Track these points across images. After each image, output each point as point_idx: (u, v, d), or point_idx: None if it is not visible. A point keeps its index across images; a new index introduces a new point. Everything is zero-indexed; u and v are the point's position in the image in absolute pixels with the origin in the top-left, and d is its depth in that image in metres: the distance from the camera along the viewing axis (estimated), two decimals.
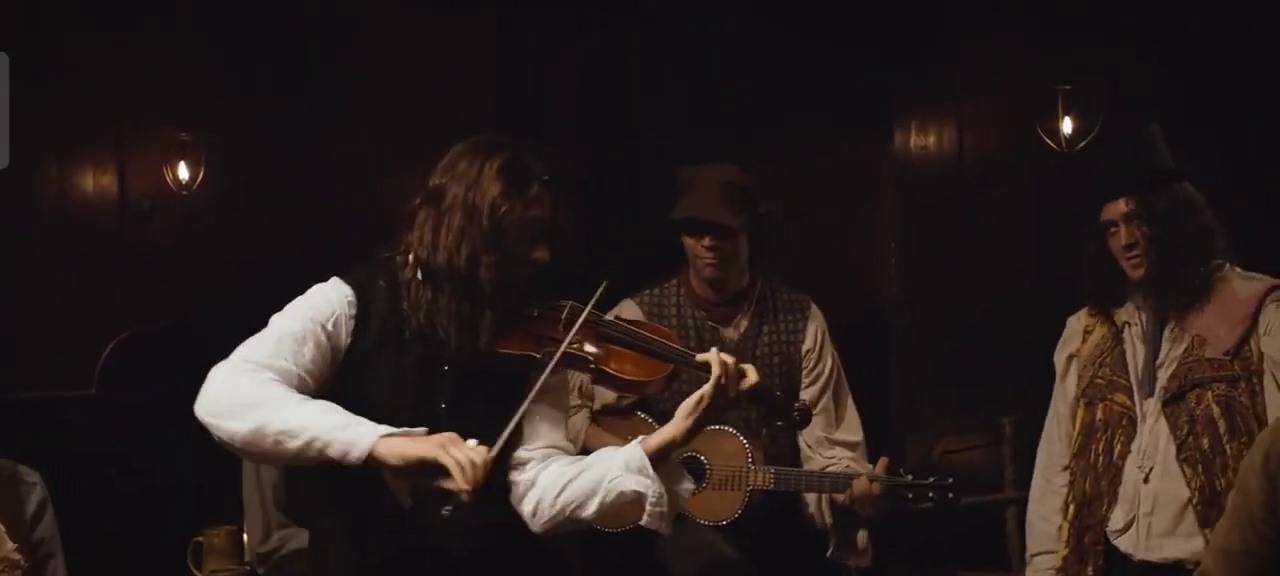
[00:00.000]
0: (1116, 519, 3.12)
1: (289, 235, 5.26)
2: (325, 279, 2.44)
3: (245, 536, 3.85)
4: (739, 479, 3.47)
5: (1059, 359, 3.35)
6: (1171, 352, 3.10)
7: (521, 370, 2.37)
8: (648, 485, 2.35)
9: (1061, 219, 4.91)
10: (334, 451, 2.17)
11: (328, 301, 2.38)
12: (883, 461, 3.44)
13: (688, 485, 2.47)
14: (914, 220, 5.12)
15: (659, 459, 2.37)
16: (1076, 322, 3.33)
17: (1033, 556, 3.31)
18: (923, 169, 5.15)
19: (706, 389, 2.38)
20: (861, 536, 3.60)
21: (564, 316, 2.44)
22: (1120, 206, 3.13)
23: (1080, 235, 3.24)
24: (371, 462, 2.16)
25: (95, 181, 5.30)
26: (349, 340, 2.38)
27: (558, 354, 2.35)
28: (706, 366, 2.40)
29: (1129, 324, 3.19)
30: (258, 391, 2.21)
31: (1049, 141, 4.90)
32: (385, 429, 2.18)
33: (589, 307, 2.42)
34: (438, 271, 2.37)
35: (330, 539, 2.48)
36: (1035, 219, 5.04)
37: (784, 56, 4.93)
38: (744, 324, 3.67)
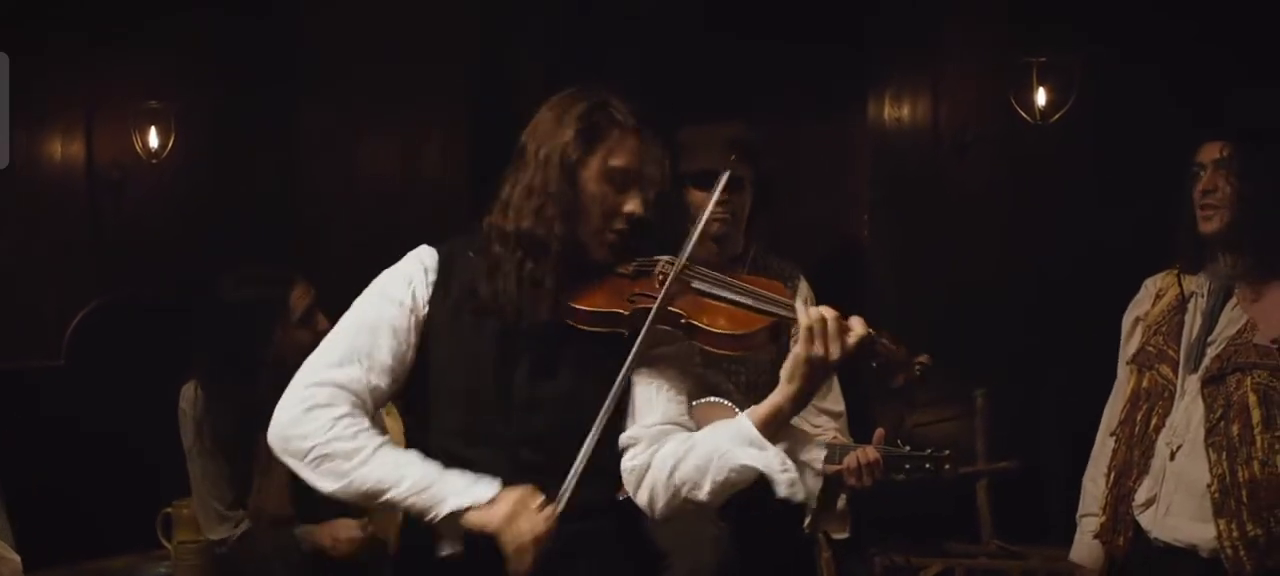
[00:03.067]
0: (1142, 492, 3.06)
1: (260, 204, 5.23)
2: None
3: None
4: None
5: (1127, 320, 3.24)
6: (1225, 331, 3.01)
7: (610, 329, 2.25)
8: (763, 456, 2.18)
9: (1036, 191, 4.97)
10: (413, 514, 2.19)
11: (404, 272, 2.33)
12: (879, 432, 3.42)
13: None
14: (888, 191, 5.13)
15: (770, 428, 2.20)
16: (1152, 284, 3.21)
17: (1080, 517, 3.26)
18: (897, 141, 5.15)
19: (798, 348, 2.19)
20: (841, 501, 3.60)
21: (658, 274, 2.29)
22: (1213, 151, 3.00)
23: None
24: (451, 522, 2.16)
25: (63, 149, 5.26)
26: (427, 308, 2.31)
27: (653, 311, 2.21)
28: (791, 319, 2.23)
29: (1196, 293, 3.09)
30: (331, 442, 2.19)
31: (1023, 114, 4.90)
32: (458, 499, 2.16)
33: (682, 258, 2.28)
34: (509, 231, 2.27)
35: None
36: (1010, 191, 5.04)
37: (758, 27, 4.90)
38: None
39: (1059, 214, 4.89)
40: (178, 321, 4.73)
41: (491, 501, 2.15)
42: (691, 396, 2.37)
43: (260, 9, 5.38)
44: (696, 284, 2.29)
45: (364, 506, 2.25)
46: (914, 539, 4.46)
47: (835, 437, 3.57)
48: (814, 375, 2.19)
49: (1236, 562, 2.88)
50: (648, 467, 2.27)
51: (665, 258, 2.31)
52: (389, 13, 5.37)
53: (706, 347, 2.29)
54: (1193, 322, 3.08)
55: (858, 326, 2.20)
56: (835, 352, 2.16)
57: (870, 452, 3.37)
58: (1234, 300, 3.03)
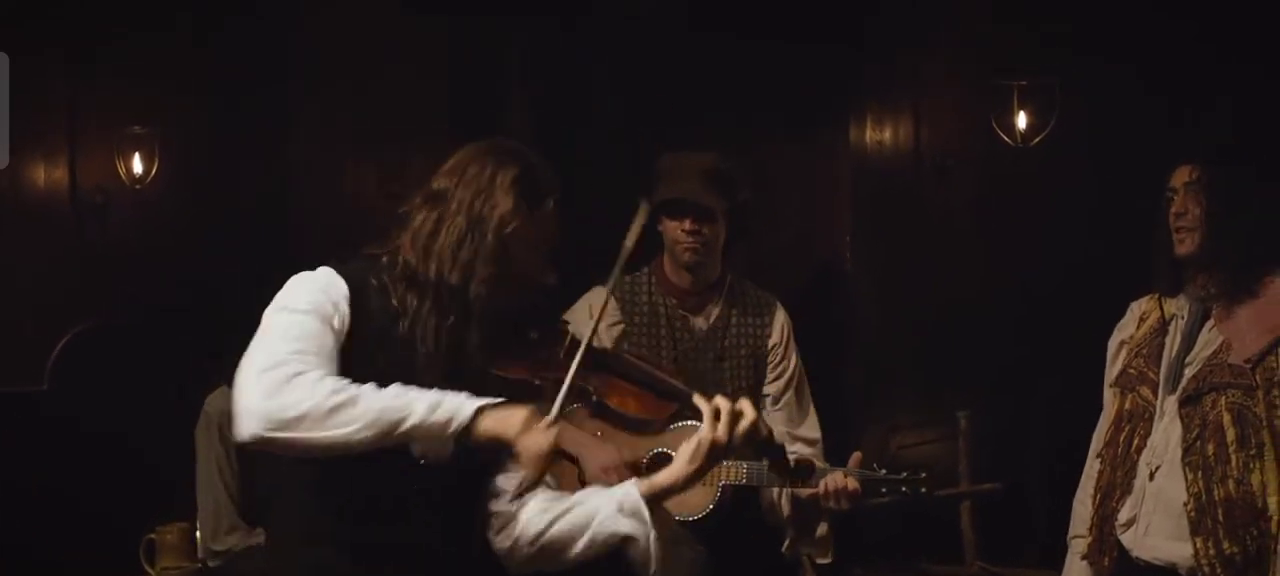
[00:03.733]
0: (1124, 513, 3.08)
1: (244, 229, 5.23)
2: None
3: (198, 532, 3.83)
4: (712, 474, 3.46)
5: (1113, 343, 3.26)
6: (1201, 352, 3.03)
7: (517, 396, 2.22)
8: (640, 529, 2.24)
9: (1017, 214, 4.99)
10: (433, 431, 2.11)
11: (327, 294, 2.24)
12: (856, 456, 3.42)
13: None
14: (870, 215, 5.14)
15: (655, 502, 2.26)
16: (1137, 308, 3.24)
17: (1071, 538, 3.28)
18: (878, 164, 5.16)
19: (703, 433, 2.25)
20: (822, 527, 3.61)
21: (566, 344, 2.31)
22: (1184, 174, 3.04)
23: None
24: (467, 434, 2.12)
25: (47, 175, 5.24)
26: (346, 339, 2.23)
27: (564, 387, 2.20)
28: (696, 403, 2.29)
29: (1177, 315, 3.12)
30: (330, 396, 2.10)
31: (1004, 136, 4.91)
32: (474, 402, 2.12)
33: (590, 336, 2.27)
34: (425, 279, 2.24)
35: (290, 537, 2.33)
36: (991, 214, 5.05)
37: (739, 50, 4.93)
38: (714, 314, 3.68)
39: (1040, 236, 4.90)
40: (162, 345, 4.77)
41: (502, 404, 2.13)
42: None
43: (244, 34, 5.38)
44: (606, 362, 2.36)
45: (379, 443, 2.11)
46: (897, 561, 4.46)
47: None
48: (713, 458, 2.25)
49: None
50: (512, 519, 2.30)
51: (570, 323, 2.37)
52: (371, 36, 5.38)
53: (611, 424, 2.33)
54: (1172, 344, 3.10)
55: (748, 412, 2.26)
56: (735, 442, 2.25)
57: (846, 479, 3.37)
58: (1211, 321, 3.06)
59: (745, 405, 2.27)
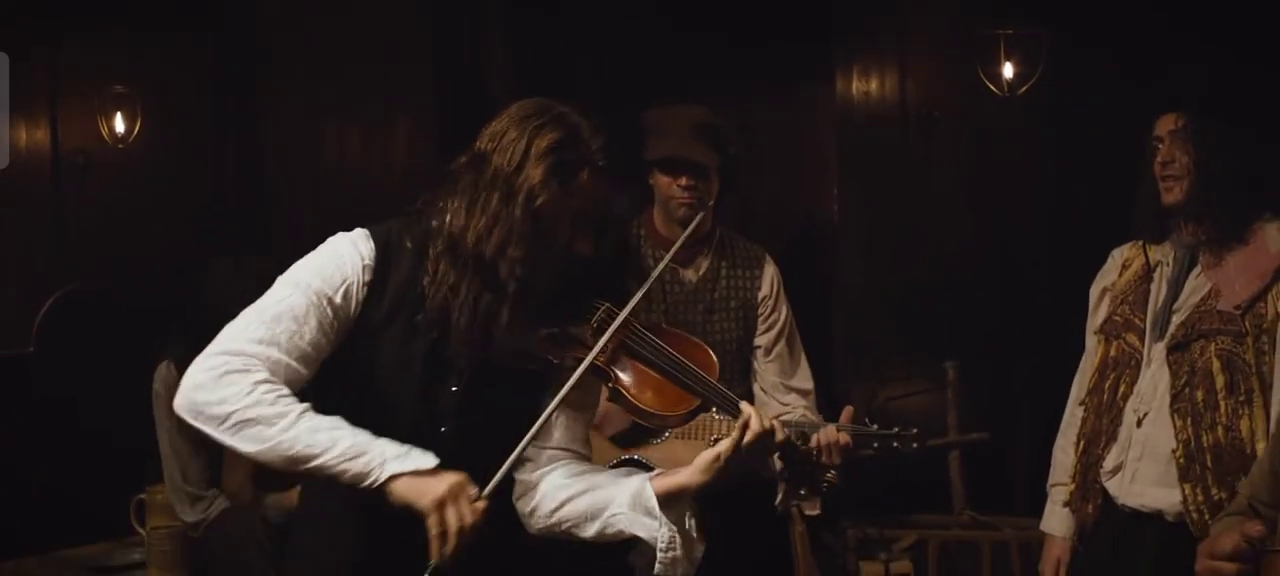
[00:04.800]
0: (1110, 460, 3.09)
1: (226, 189, 5.22)
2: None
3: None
4: (703, 428, 3.47)
5: (1094, 290, 3.27)
6: (1189, 299, 3.03)
7: (539, 370, 2.21)
8: (655, 529, 2.17)
9: (1003, 164, 4.99)
10: (347, 480, 2.05)
11: (340, 266, 2.18)
12: (847, 410, 3.42)
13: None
14: (857, 166, 5.12)
15: (669, 502, 2.19)
16: (1119, 255, 3.24)
17: (1051, 486, 3.30)
18: (865, 115, 5.14)
19: (726, 446, 2.18)
20: None
21: (595, 321, 2.24)
22: (1170, 122, 3.03)
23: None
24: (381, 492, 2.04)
25: (28, 136, 5.22)
26: (359, 309, 2.19)
27: (582, 366, 2.16)
28: (737, 413, 2.23)
29: (1162, 263, 3.12)
30: (251, 407, 2.06)
31: (991, 86, 4.90)
32: (403, 463, 2.04)
33: (623, 316, 2.20)
34: (464, 252, 2.16)
35: (328, 502, 2.27)
36: (978, 164, 5.05)
37: (724, 3, 4.89)
38: (704, 266, 3.67)
39: (1027, 186, 4.90)
40: (146, 306, 4.75)
41: (431, 472, 2.05)
42: (588, 427, 2.34)
43: None
44: (632, 344, 2.24)
45: (288, 471, 2.08)
46: (887, 511, 4.48)
47: (804, 414, 3.59)
48: (728, 471, 2.19)
49: (1201, 526, 2.90)
50: (533, 488, 2.27)
51: (605, 304, 2.25)
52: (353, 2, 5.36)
53: (626, 412, 2.28)
54: (1158, 291, 3.11)
55: (779, 433, 2.23)
56: (756, 453, 2.20)
57: (838, 433, 3.37)
58: (1198, 268, 3.06)
59: (775, 425, 2.22)
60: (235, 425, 2.06)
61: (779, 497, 3.66)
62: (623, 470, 2.35)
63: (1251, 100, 3.20)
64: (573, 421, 2.31)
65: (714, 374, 2.30)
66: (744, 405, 2.22)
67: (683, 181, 3.53)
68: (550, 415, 2.17)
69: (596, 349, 2.17)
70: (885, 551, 4.22)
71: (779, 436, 2.22)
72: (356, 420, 2.10)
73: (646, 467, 3.41)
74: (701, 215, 3.56)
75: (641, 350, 2.25)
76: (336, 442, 2.05)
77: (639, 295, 2.25)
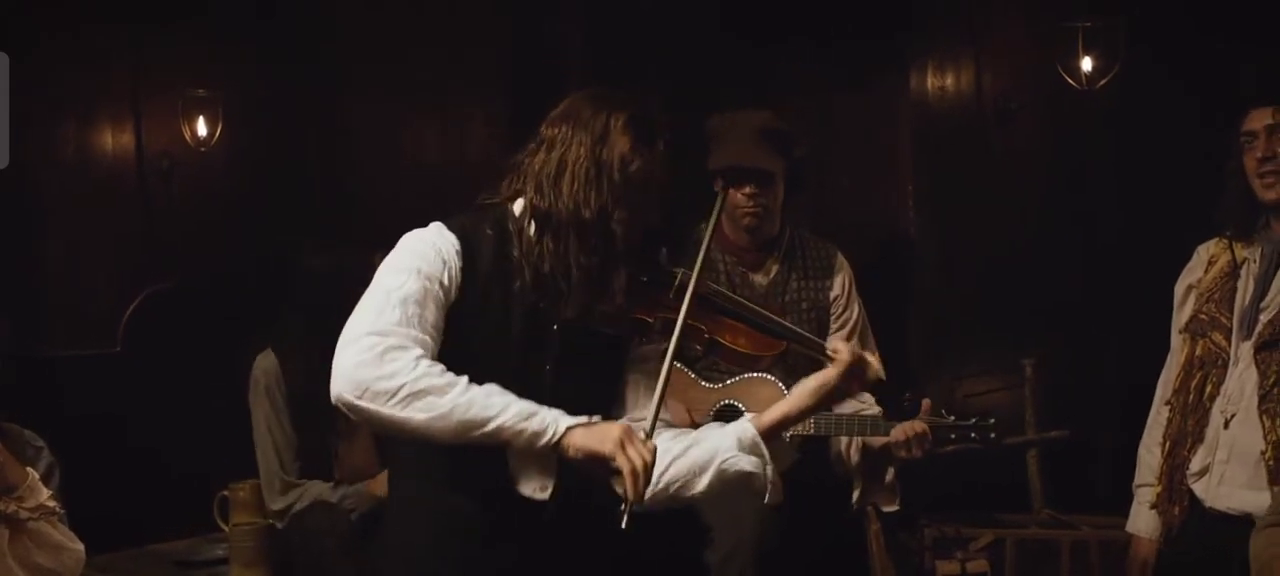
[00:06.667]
0: (1196, 461, 3.07)
1: (308, 189, 5.30)
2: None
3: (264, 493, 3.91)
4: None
5: (1179, 287, 3.25)
6: (1277, 297, 3.01)
7: (628, 334, 2.32)
8: (759, 464, 2.27)
9: (1082, 157, 4.95)
10: (521, 441, 2.15)
11: (437, 253, 2.28)
12: (926, 403, 3.43)
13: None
14: (932, 161, 5.08)
15: (771, 435, 2.31)
16: (1204, 251, 3.23)
17: (1137, 487, 3.29)
18: (941, 110, 5.11)
19: (831, 374, 2.33)
20: (890, 473, 3.62)
21: (676, 283, 2.34)
22: (1264, 117, 3.01)
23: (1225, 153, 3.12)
24: (558, 448, 2.15)
25: (114, 140, 5.34)
26: (457, 294, 2.28)
27: (680, 321, 2.24)
28: (830, 352, 2.36)
29: (1249, 260, 3.09)
30: (421, 378, 2.14)
31: (1069, 79, 4.86)
32: (571, 419, 2.15)
33: (696, 275, 2.31)
34: (562, 221, 2.27)
35: (423, 486, 2.37)
36: (1055, 158, 5.03)
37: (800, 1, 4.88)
38: (774, 270, 3.68)
39: (1105, 180, 4.87)
40: (229, 305, 4.84)
41: (597, 424, 2.16)
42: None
43: None
44: (715, 301, 2.41)
45: (457, 440, 2.15)
46: (964, 510, 4.45)
47: (877, 412, 3.58)
48: (832, 402, 2.35)
49: None
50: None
51: (681, 269, 2.36)
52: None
53: (724, 361, 2.44)
54: (1245, 289, 3.08)
55: (875, 367, 2.37)
56: (854, 385, 2.35)
57: (918, 425, 3.38)
58: None
59: (872, 358, 2.35)
60: (407, 396, 2.13)
61: (856, 496, 3.67)
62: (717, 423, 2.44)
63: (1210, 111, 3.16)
64: (647, 392, 2.36)
65: (783, 318, 2.49)
66: (830, 340, 2.40)
67: (747, 190, 3.53)
68: (670, 363, 2.21)
69: (686, 303, 2.26)
70: (962, 550, 4.19)
71: (873, 371, 2.35)
72: None
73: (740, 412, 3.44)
74: (764, 224, 3.57)
75: (724, 305, 2.41)
76: (509, 405, 2.14)
77: (701, 256, 2.32)
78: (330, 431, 3.72)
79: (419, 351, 2.16)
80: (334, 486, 3.77)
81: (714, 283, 3.58)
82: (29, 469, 2.80)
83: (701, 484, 2.27)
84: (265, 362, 3.82)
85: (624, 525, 2.10)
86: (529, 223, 2.30)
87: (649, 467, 2.10)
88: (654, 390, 2.27)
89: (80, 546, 2.87)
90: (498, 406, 2.13)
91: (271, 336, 3.84)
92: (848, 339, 3.66)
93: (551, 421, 2.14)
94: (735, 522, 3.26)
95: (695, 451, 2.27)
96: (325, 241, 3.80)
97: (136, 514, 4.14)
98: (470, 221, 2.34)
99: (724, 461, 2.26)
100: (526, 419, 2.14)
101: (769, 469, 2.28)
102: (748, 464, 2.26)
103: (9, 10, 4.55)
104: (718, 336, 2.35)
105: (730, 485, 2.27)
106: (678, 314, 2.25)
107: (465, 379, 2.15)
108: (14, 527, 2.72)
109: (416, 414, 2.13)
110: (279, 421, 3.80)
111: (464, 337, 2.27)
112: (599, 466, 2.12)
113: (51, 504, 2.79)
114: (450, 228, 2.32)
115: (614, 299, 2.27)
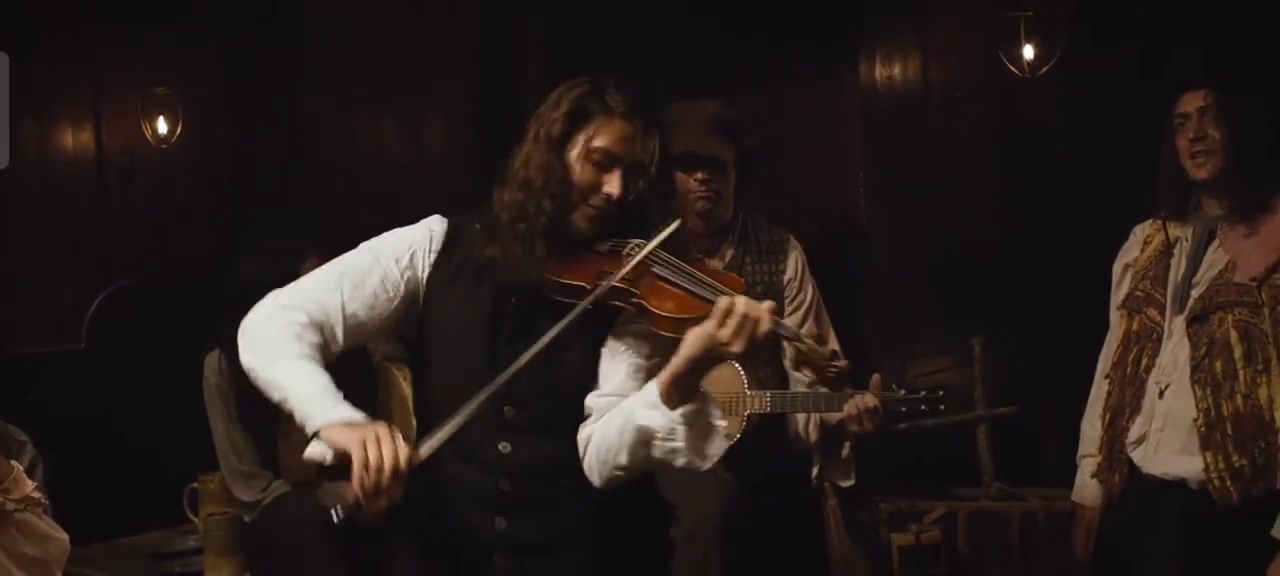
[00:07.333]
0: (1134, 431, 3.17)
1: (268, 185, 5.31)
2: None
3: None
4: (736, 404, 3.57)
5: (1117, 266, 3.35)
6: (1207, 272, 3.10)
7: (575, 301, 2.32)
8: (654, 416, 2.24)
9: (1027, 143, 5.03)
10: (298, 418, 2.24)
11: (409, 237, 2.46)
12: (876, 378, 3.54)
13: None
14: (881, 149, 5.17)
15: (669, 391, 2.24)
16: (1140, 231, 3.32)
17: (1080, 458, 3.39)
18: (889, 99, 5.19)
19: (707, 326, 2.23)
20: (846, 449, 3.71)
21: (626, 253, 2.38)
22: (1196, 99, 3.09)
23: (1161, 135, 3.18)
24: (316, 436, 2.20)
25: (74, 138, 5.32)
26: (427, 271, 2.44)
27: (601, 286, 2.30)
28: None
29: (1181, 238, 3.18)
30: (269, 337, 2.30)
31: (1012, 68, 4.93)
32: (340, 413, 2.19)
33: (653, 244, 2.35)
34: (509, 202, 2.38)
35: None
36: (1000, 143, 5.08)
37: None
38: (728, 254, 3.77)
39: (1049, 165, 4.93)
40: (192, 301, 4.86)
41: (354, 424, 2.18)
42: (653, 373, 2.36)
43: None
44: (658, 270, 2.35)
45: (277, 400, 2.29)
46: (918, 484, 4.53)
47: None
48: (709, 353, 2.22)
49: (1223, 492, 3.01)
50: (590, 438, 2.35)
51: (637, 240, 2.39)
52: None
53: (652, 328, 2.35)
54: (1178, 266, 3.18)
55: (766, 320, 2.23)
56: (736, 344, 2.21)
57: (868, 399, 3.48)
58: (1217, 242, 3.14)
59: (762, 312, 2.24)
60: (246, 335, 2.33)
61: (815, 471, 3.78)
62: None
63: (1273, 74, 3.25)
64: (630, 368, 2.39)
65: (737, 287, 2.35)
66: (732, 299, 2.24)
67: (699, 176, 3.63)
68: (564, 328, 2.27)
69: (620, 272, 2.31)
70: (916, 523, 4.29)
71: (762, 325, 2.22)
72: (432, 374, 2.40)
73: None
74: (716, 208, 3.66)
75: (665, 273, 2.35)
76: (297, 384, 2.25)
77: (665, 233, 2.37)
78: (273, 428, 3.78)
79: (299, 317, 2.32)
80: (293, 487, 3.84)
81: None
82: (13, 462, 2.85)
83: (624, 456, 2.28)
84: (213, 362, 3.89)
85: (334, 520, 2.15)
86: (496, 208, 2.41)
87: (384, 470, 2.09)
88: (629, 362, 2.37)
89: (65, 536, 2.92)
90: (287, 383, 2.25)
91: (216, 336, 3.90)
92: (803, 320, 3.78)
93: (317, 413, 2.20)
94: (699, 498, 3.33)
95: (613, 421, 2.30)
96: (260, 245, 3.86)
97: (105, 507, 4.17)
98: (469, 215, 2.49)
99: (627, 420, 2.27)
100: (304, 401, 2.23)
101: (666, 423, 2.23)
102: (644, 417, 2.24)
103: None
104: (645, 301, 2.31)
105: (640, 443, 2.26)
106: (613, 278, 2.30)
107: (303, 351, 2.28)
108: (1, 519, 2.77)
109: (245, 354, 2.32)
110: (230, 418, 3.86)
111: (438, 313, 2.43)
112: (343, 461, 2.14)
113: (37, 495, 2.84)
114: (448, 216, 2.49)
115: (540, 272, 2.34)
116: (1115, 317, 3.35)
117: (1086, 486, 3.38)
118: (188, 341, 4.51)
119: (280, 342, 2.30)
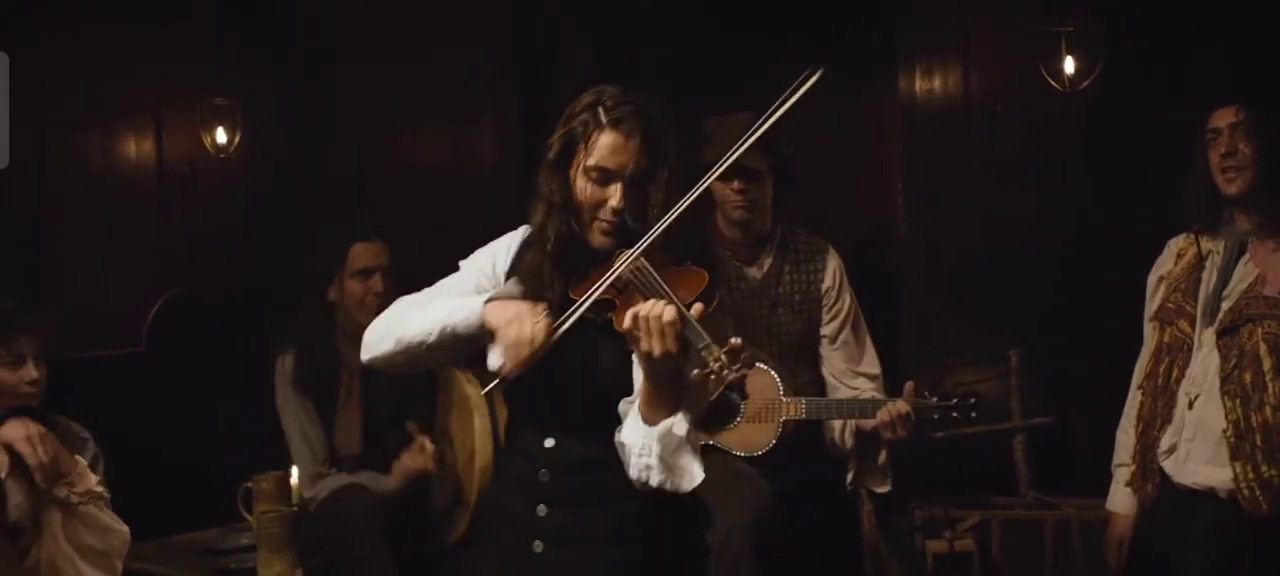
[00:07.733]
0: (1165, 441, 3.22)
1: (324, 195, 5.39)
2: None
3: (293, 481, 4.08)
4: (772, 411, 3.63)
5: (1151, 279, 3.39)
6: (1238, 286, 3.14)
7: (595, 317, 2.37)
8: (631, 434, 2.31)
9: (1064, 157, 5.05)
10: (462, 330, 2.44)
11: (493, 246, 2.62)
12: (909, 385, 3.60)
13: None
14: (921, 162, 5.20)
15: (647, 408, 2.27)
16: (1174, 245, 3.36)
17: (1115, 467, 3.44)
18: (929, 111, 5.22)
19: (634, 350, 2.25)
20: (881, 455, 3.77)
21: (613, 264, 2.38)
22: (1228, 115, 3.13)
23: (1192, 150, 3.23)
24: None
25: (136, 148, 5.43)
26: (502, 279, 2.58)
27: (585, 300, 2.33)
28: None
29: (1213, 252, 3.23)
30: (392, 314, 2.56)
31: (1052, 82, 4.97)
32: (482, 299, 2.44)
33: (634, 253, 2.33)
34: (534, 221, 2.49)
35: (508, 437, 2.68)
36: (1039, 157, 5.12)
37: (790, 3, 4.98)
38: (768, 263, 3.84)
39: (1088, 179, 4.95)
40: (247, 306, 4.98)
41: (505, 300, 2.41)
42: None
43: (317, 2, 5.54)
44: (638, 283, 2.33)
45: (428, 358, 2.52)
46: (954, 492, 4.56)
47: (872, 396, 3.74)
48: (645, 360, 2.21)
49: (1252, 501, 3.05)
50: (623, 446, 2.37)
51: (624, 250, 2.38)
52: (436, 4, 5.52)
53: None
54: (1209, 279, 3.23)
55: (669, 314, 2.18)
56: (649, 344, 2.18)
57: (901, 405, 3.55)
58: (1247, 255, 3.19)
59: (662, 309, 2.17)
60: (377, 340, 2.55)
61: (850, 477, 3.84)
62: None
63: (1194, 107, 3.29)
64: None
65: (698, 283, 2.29)
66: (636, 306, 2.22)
67: (735, 185, 3.71)
68: (566, 334, 2.35)
69: (599, 284, 2.33)
70: (950, 530, 4.34)
71: (669, 316, 2.16)
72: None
73: (721, 453, 3.59)
74: (753, 217, 3.74)
75: (637, 281, 2.32)
76: (451, 304, 2.49)
77: (649, 237, 2.33)
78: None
79: (411, 298, 2.59)
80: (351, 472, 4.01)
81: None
82: (77, 457, 2.98)
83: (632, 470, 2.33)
84: (286, 363, 4.05)
85: (485, 391, 2.42)
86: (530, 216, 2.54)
87: (531, 341, 2.28)
88: None
89: (125, 528, 3.04)
90: (436, 310, 2.48)
91: (293, 337, 4.06)
92: (840, 329, 3.84)
93: (477, 302, 2.43)
94: (735, 503, 3.39)
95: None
96: (321, 232, 4.10)
97: (162, 505, 4.28)
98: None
99: (620, 440, 2.34)
100: (454, 313, 2.45)
101: (641, 440, 2.26)
102: (626, 436, 2.31)
103: (12, 17, 4.68)
104: (620, 312, 2.28)
105: (625, 459, 2.33)
106: (594, 292, 2.33)
107: (424, 301, 2.54)
108: (66, 511, 2.89)
109: (379, 348, 2.55)
110: (308, 415, 4.02)
111: None
112: (489, 338, 2.38)
113: (99, 489, 2.96)
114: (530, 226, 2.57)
115: (549, 292, 2.42)
116: (1148, 329, 3.40)
117: (1120, 495, 3.43)
118: (243, 345, 4.65)
119: (405, 311, 2.54)
